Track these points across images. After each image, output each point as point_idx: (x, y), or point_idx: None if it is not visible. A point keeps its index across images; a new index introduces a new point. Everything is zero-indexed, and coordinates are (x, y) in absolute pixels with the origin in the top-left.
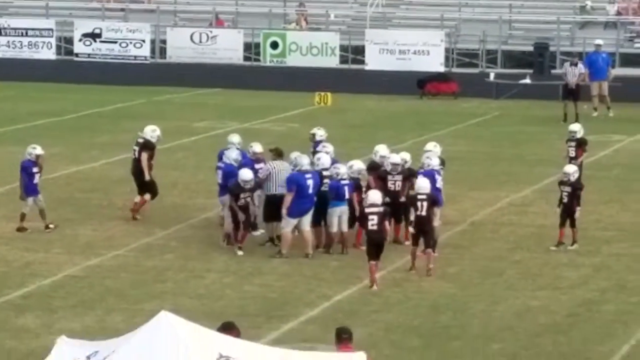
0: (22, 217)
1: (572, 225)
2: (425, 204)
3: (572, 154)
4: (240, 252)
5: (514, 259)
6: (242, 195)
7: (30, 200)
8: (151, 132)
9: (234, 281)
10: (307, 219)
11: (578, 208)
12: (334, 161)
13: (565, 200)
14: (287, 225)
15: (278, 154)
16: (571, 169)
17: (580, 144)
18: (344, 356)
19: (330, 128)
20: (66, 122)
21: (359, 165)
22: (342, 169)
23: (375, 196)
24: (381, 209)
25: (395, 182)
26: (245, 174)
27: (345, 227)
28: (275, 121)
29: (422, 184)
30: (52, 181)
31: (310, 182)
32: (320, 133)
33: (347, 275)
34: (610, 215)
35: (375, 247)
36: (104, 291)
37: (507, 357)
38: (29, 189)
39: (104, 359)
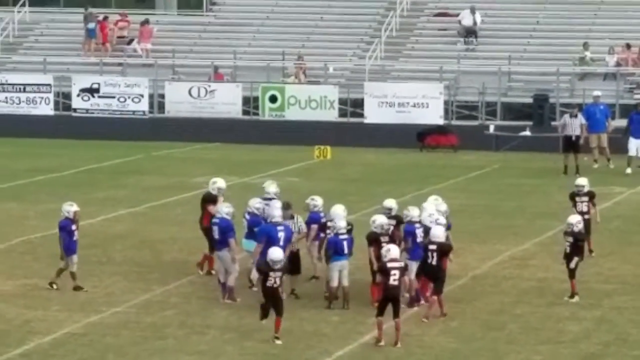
0: (60, 272)
1: (571, 276)
2: (435, 254)
3: (584, 208)
4: (278, 342)
5: (515, 312)
6: (271, 275)
7: (74, 258)
8: (212, 184)
9: (234, 337)
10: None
11: (576, 258)
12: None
13: (567, 250)
14: (256, 277)
15: (286, 207)
16: (574, 219)
17: (591, 198)
18: None
19: (329, 182)
20: (64, 178)
21: (381, 219)
22: (341, 223)
23: (396, 251)
24: (402, 263)
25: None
26: (276, 253)
27: (346, 282)
28: (275, 175)
29: (437, 233)
30: (50, 237)
31: (281, 235)
32: (313, 203)
33: (348, 330)
34: (611, 268)
35: (390, 302)
36: (103, 348)
37: None
38: (71, 247)
39: None
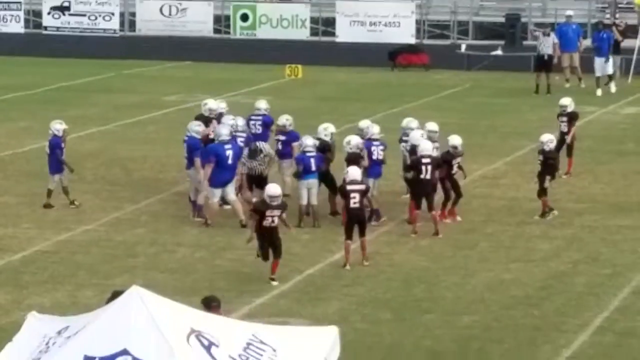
0: (49, 193)
1: (542, 194)
2: (429, 167)
3: (564, 128)
4: (274, 283)
5: (486, 231)
6: (268, 214)
7: (56, 177)
8: (203, 106)
9: (205, 255)
10: (230, 189)
11: (548, 177)
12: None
13: (539, 168)
14: (212, 196)
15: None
16: (546, 138)
17: (572, 119)
18: (315, 330)
19: (301, 100)
20: (35, 96)
21: (356, 140)
22: (309, 141)
23: (355, 172)
24: (362, 186)
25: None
26: (273, 189)
27: (314, 200)
28: (247, 94)
29: (426, 146)
30: (21, 155)
31: (229, 153)
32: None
33: (318, 249)
34: (582, 187)
35: (356, 224)
36: (74, 266)
37: (479, 330)
38: (56, 166)
39: (75, 334)
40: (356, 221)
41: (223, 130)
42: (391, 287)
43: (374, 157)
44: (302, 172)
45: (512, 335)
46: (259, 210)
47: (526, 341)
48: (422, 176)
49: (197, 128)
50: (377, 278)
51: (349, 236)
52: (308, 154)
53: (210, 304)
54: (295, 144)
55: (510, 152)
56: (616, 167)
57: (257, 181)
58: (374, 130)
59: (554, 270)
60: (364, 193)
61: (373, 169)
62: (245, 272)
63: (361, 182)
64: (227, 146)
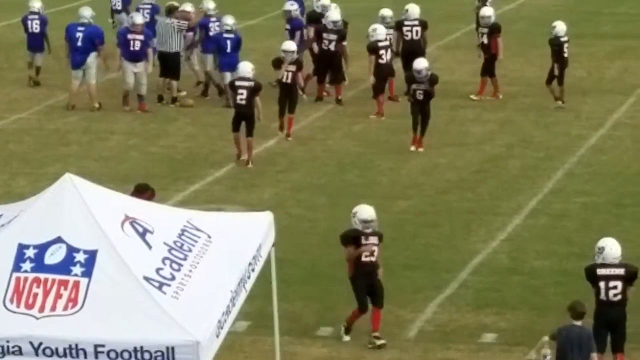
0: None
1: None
2: (418, 29)
3: (485, 40)
4: (250, 165)
5: None
6: (240, 90)
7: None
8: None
9: (139, 143)
10: (90, 73)
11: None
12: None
13: (418, 98)
14: (72, 77)
15: (169, 11)
16: (422, 65)
17: (493, 32)
18: (250, 216)
19: None
20: None
21: (334, 16)
22: (229, 20)
23: (246, 68)
24: (252, 83)
25: (330, 42)
26: (245, 67)
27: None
28: None
29: (380, 31)
30: None
31: (79, 35)
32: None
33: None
34: (515, 70)
35: (243, 120)
36: (7, 155)
37: (414, 214)
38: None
39: (9, 222)
40: (243, 118)
41: (85, 13)
42: (326, 172)
43: (211, 33)
44: (218, 55)
45: (447, 219)
46: (233, 87)
47: (461, 225)
48: (381, 61)
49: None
50: (311, 164)
51: (234, 129)
52: (225, 35)
53: (143, 192)
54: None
55: (444, 35)
56: (549, 50)
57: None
58: (209, 5)
59: (488, 154)
60: (252, 90)
61: (208, 43)
62: (179, 159)
63: (250, 79)
64: (79, 28)
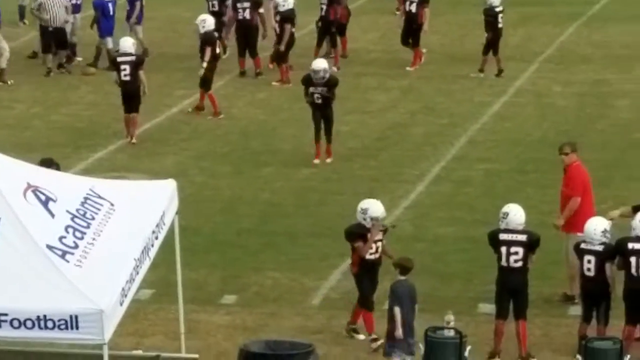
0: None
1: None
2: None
3: (414, 9)
4: (134, 141)
5: None
6: (123, 65)
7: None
8: None
9: (41, 111)
10: None
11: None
12: None
13: (316, 102)
14: None
15: None
16: (320, 65)
17: (422, 1)
18: (153, 184)
19: None
20: None
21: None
22: None
23: (127, 44)
24: (134, 57)
25: (244, 10)
26: (126, 43)
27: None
28: None
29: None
30: None
31: None
32: None
33: (156, 103)
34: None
35: (129, 97)
36: None
37: (318, 182)
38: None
39: None
40: (129, 95)
41: None
42: (229, 140)
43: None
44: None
45: (351, 187)
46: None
47: (364, 192)
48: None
49: None
50: (215, 132)
51: (125, 109)
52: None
53: (49, 166)
54: None
55: (349, 2)
56: (452, 17)
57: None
58: None
59: (391, 121)
60: (135, 64)
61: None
62: (81, 127)
63: (132, 54)
64: None
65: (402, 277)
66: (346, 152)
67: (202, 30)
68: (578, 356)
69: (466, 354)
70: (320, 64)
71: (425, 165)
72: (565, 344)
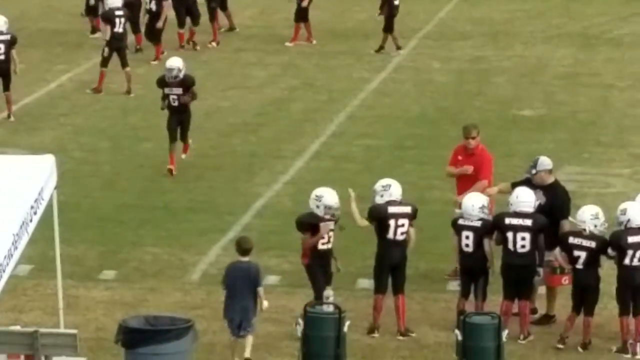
0: None
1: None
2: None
3: None
4: (12, 119)
5: (201, 59)
6: None
7: None
8: None
9: None
10: None
11: None
12: None
13: (172, 104)
14: None
15: None
16: (173, 63)
17: None
18: (32, 159)
19: None
20: None
21: None
22: None
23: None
24: (8, 36)
25: (151, 1)
26: None
27: None
28: None
29: None
30: None
31: None
32: None
33: (35, 78)
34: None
35: (3, 76)
36: None
37: (198, 157)
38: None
39: None
40: (2, 74)
41: None
42: (108, 115)
43: None
44: None
45: (230, 162)
46: None
47: (244, 168)
48: None
49: None
50: (93, 107)
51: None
52: None
53: None
54: None
55: None
56: None
57: None
58: None
59: (271, 97)
60: (9, 44)
61: None
62: None
63: (5, 33)
64: None
65: (243, 259)
66: (226, 128)
67: (106, 7)
68: (456, 331)
69: (345, 329)
70: (174, 62)
71: (304, 141)
72: (444, 319)
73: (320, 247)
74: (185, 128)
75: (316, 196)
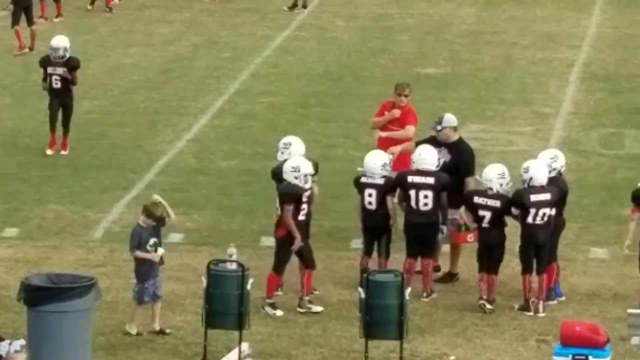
0: None
1: None
2: None
3: None
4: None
5: (105, 16)
6: None
7: None
8: None
9: None
10: None
11: None
12: None
13: (54, 86)
14: None
15: None
16: (59, 43)
17: None
18: None
19: None
20: None
21: None
22: None
23: None
24: None
25: None
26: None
27: None
28: None
29: None
30: None
31: None
32: None
33: None
34: None
35: None
36: None
37: (100, 115)
38: None
39: None
40: None
41: None
42: (10, 72)
43: None
44: None
45: (133, 120)
46: None
47: (147, 125)
48: None
49: None
50: None
51: None
52: None
53: None
54: None
55: None
56: None
57: None
58: None
59: (174, 54)
60: None
61: None
62: None
63: None
64: None
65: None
66: (129, 85)
67: None
68: (360, 289)
69: (249, 286)
70: (60, 41)
71: (208, 99)
72: (347, 276)
73: (300, 217)
74: (68, 114)
75: (292, 167)
